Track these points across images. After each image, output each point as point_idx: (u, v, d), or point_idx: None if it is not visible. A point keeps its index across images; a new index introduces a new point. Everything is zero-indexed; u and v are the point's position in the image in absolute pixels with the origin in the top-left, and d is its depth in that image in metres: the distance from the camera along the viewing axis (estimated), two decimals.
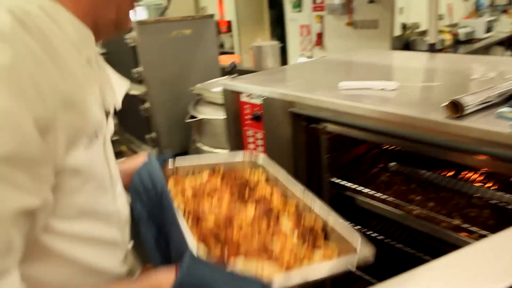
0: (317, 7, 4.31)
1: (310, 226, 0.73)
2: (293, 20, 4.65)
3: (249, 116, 1.31)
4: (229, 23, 5.69)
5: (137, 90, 2.31)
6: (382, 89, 1.05)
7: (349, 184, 1.16)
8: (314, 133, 1.12)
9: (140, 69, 2.25)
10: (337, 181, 1.17)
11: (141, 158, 0.87)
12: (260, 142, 1.32)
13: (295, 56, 4.72)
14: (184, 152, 2.28)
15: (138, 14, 6.63)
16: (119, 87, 0.74)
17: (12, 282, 0.47)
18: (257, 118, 1.28)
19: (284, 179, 0.85)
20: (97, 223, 0.63)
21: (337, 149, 1.18)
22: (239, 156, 0.94)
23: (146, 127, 2.36)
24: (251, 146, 1.38)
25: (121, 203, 0.72)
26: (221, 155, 1.04)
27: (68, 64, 0.53)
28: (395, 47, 3.73)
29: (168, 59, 2.32)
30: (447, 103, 0.81)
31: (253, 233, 0.71)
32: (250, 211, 0.78)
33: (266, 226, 0.73)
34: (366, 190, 1.15)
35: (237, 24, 5.40)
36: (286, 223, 0.75)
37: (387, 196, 1.11)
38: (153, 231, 0.76)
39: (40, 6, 0.52)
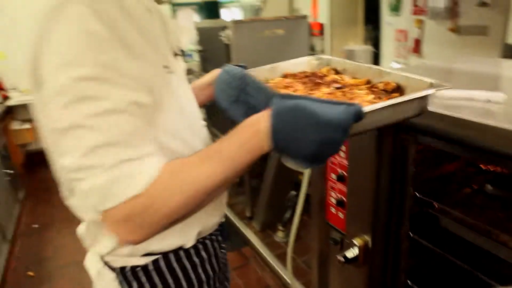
0: (418, 11, 4.04)
1: (383, 87, 0.82)
2: (390, 24, 4.43)
3: None
4: (321, 26, 5.62)
5: None
6: (488, 101, 0.95)
7: (435, 202, 1.07)
8: (402, 142, 1.05)
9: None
10: (422, 197, 1.08)
11: (215, 71, 0.98)
12: (343, 148, 1.29)
13: (389, 62, 4.49)
14: None
15: (234, 13, 6.93)
16: (185, 33, 0.85)
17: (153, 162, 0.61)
18: None
19: (352, 64, 0.94)
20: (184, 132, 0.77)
21: (426, 163, 1.10)
22: (305, 59, 1.06)
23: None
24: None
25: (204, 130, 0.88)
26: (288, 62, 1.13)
27: (134, 13, 0.67)
28: (506, 56, 3.34)
29: (260, 57, 2.38)
30: None
31: None
32: (324, 89, 0.87)
33: (341, 95, 0.83)
34: (454, 211, 1.05)
35: (330, 27, 5.31)
36: (360, 92, 0.83)
37: (479, 222, 1.00)
38: (242, 112, 0.78)
39: None
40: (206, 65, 2.78)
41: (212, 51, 2.56)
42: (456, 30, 3.65)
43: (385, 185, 1.10)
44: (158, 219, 0.58)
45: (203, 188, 0.61)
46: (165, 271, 0.80)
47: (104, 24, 0.58)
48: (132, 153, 0.58)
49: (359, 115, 0.60)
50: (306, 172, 1.27)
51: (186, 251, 0.83)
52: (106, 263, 0.80)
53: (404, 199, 1.10)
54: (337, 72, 1.00)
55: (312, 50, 5.96)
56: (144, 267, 0.79)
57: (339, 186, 1.31)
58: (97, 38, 0.57)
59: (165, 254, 0.81)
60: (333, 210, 1.38)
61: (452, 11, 3.65)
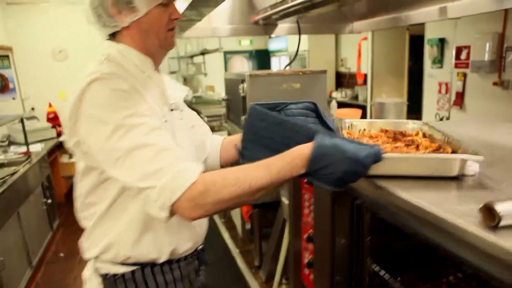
0: (460, 64, 3.90)
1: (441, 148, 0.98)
2: (432, 77, 4.31)
3: None
4: (365, 76, 5.62)
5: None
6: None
7: (391, 279, 1.00)
8: (358, 209, 1.02)
9: (246, 117, 2.43)
10: (378, 271, 1.02)
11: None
12: (307, 204, 1.29)
13: (430, 115, 4.33)
14: None
15: (281, 61, 7.18)
16: (179, 91, 1.09)
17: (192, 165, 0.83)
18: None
19: (438, 133, 1.06)
20: None
21: (385, 232, 1.04)
22: (404, 121, 1.24)
23: None
24: (306, 208, 1.33)
25: None
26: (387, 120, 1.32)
27: (134, 79, 0.92)
28: None
29: None
30: (481, 206, 0.65)
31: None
32: (398, 144, 1.04)
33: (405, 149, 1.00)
34: None
35: (371, 77, 5.29)
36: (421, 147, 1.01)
37: None
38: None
39: (117, 49, 0.96)
40: (230, 113, 2.91)
41: (234, 101, 2.68)
42: (501, 84, 3.46)
43: (343, 253, 1.07)
44: (214, 201, 0.79)
45: (251, 186, 0.79)
46: (141, 282, 0.97)
47: (124, 84, 0.87)
48: (177, 154, 0.83)
49: (378, 156, 0.78)
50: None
51: (161, 267, 0.99)
52: (95, 270, 0.98)
53: (362, 270, 1.05)
54: (424, 135, 1.14)
55: (355, 99, 5.94)
56: (123, 276, 0.96)
57: (310, 246, 1.29)
58: (120, 92, 0.86)
59: (142, 267, 0.97)
60: (306, 270, 1.34)
61: (497, 65, 3.48)
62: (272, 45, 7.48)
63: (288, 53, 6.75)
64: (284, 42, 6.88)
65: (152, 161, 0.80)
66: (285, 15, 2.74)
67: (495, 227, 0.63)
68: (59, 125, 4.72)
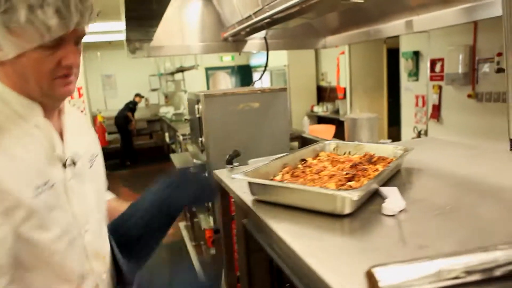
0: (435, 76, 3.83)
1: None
2: (408, 90, 4.23)
3: None
4: (345, 90, 5.55)
5: (200, 160, 2.36)
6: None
7: None
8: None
9: (202, 139, 2.30)
10: None
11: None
12: None
13: (409, 128, 4.24)
14: None
15: (262, 78, 7.13)
16: (82, 141, 0.88)
17: None
18: None
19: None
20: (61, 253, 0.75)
21: None
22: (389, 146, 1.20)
23: None
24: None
25: (88, 237, 0.83)
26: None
27: (7, 134, 0.70)
28: None
29: (233, 130, 2.32)
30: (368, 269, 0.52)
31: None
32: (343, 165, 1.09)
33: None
34: None
35: (350, 91, 5.21)
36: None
37: None
38: None
39: None
40: (192, 133, 2.79)
41: (194, 121, 2.57)
42: (474, 96, 3.38)
43: None
44: None
45: None
46: None
47: None
48: None
49: None
50: None
51: None
52: None
53: None
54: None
55: (336, 114, 5.86)
56: None
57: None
58: None
59: None
60: None
61: (470, 77, 3.41)
62: (254, 61, 7.44)
63: (269, 68, 6.69)
64: (264, 57, 6.82)
65: None
66: (252, 31, 2.66)
67: None
68: None
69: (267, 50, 3.39)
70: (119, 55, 7.25)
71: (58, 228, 0.74)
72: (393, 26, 2.68)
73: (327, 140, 1.34)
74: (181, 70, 5.86)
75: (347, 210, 0.78)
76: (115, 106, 8.08)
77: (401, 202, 0.81)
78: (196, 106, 2.31)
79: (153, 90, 8.11)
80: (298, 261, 0.62)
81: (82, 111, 4.84)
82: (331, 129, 3.76)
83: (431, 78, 3.86)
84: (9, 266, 0.67)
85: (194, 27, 3.28)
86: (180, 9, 3.14)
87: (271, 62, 6.64)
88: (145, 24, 2.76)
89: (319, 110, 6.06)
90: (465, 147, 1.35)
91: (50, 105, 0.80)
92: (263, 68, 7.30)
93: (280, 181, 0.97)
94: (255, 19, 2.29)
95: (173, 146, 6.00)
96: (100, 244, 0.88)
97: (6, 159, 0.68)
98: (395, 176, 1.06)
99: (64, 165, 0.79)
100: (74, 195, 0.80)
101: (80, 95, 4.75)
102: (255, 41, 3.58)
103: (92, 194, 0.88)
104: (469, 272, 0.51)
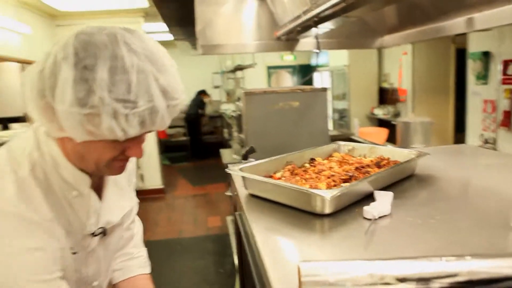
0: (508, 80, 3.48)
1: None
2: (476, 94, 3.90)
3: None
4: (407, 92, 5.27)
5: (239, 156, 2.43)
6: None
7: None
8: None
9: (242, 136, 2.36)
10: None
11: None
12: None
13: (475, 136, 3.90)
14: None
15: (323, 76, 7.01)
16: (118, 209, 0.86)
17: None
18: None
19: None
20: None
21: None
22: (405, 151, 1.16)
23: None
24: None
25: None
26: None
27: (56, 196, 0.71)
28: None
29: (272, 128, 2.35)
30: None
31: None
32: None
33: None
34: None
35: (412, 94, 4.93)
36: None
37: None
38: None
39: (51, 154, 0.71)
40: (236, 130, 2.87)
41: (237, 118, 2.64)
42: None
43: None
44: None
45: None
46: None
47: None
48: None
49: None
50: None
51: None
52: None
53: None
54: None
55: (397, 116, 5.58)
56: None
57: None
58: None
59: None
60: None
61: None
62: (315, 60, 7.37)
63: (330, 68, 6.58)
64: (326, 57, 6.73)
65: None
66: (302, 30, 2.66)
67: None
68: None
69: (318, 49, 3.35)
70: (184, 53, 7.64)
71: (70, 282, 0.76)
72: (452, 24, 2.50)
73: (375, 142, 1.31)
74: (240, 68, 6.00)
75: (327, 210, 0.77)
76: None
77: (386, 208, 0.78)
78: (237, 103, 2.38)
79: (216, 87, 8.41)
80: (254, 248, 0.64)
81: None
82: (383, 132, 3.61)
83: (503, 82, 3.51)
84: None
85: (249, 26, 3.35)
86: (237, 9, 3.23)
87: (332, 61, 6.55)
88: (185, 24, 2.89)
89: (380, 112, 5.82)
90: (499, 157, 1.24)
91: (100, 176, 0.80)
92: (324, 68, 7.19)
93: (278, 178, 0.98)
94: (303, 18, 2.29)
95: (230, 142, 6.18)
96: None
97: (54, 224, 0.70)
98: (404, 181, 1.01)
99: (93, 235, 0.79)
100: (93, 259, 0.82)
101: None
102: (307, 40, 3.56)
103: (111, 249, 0.89)
104: (401, 280, 0.49)
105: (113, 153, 0.67)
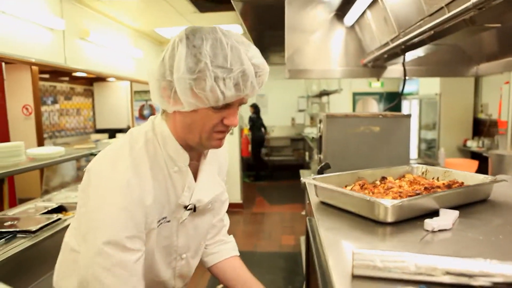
0: None
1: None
2: None
3: None
4: (508, 124, 4.84)
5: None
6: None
7: None
8: None
9: (321, 156, 2.46)
10: None
11: None
12: None
13: None
14: None
15: (412, 104, 6.75)
16: (209, 192, 0.99)
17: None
18: None
19: None
20: (157, 267, 0.94)
21: None
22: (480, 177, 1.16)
23: None
24: None
25: (182, 263, 1.00)
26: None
27: (161, 169, 0.88)
28: None
29: (351, 151, 2.41)
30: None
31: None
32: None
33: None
34: None
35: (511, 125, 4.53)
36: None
37: None
38: None
39: (161, 132, 0.89)
40: (316, 152, 2.97)
41: (317, 140, 2.75)
42: None
43: None
44: None
45: None
46: None
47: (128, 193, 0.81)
48: None
49: None
50: None
51: None
52: None
53: None
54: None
55: (495, 148, 5.13)
56: None
57: None
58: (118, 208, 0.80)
59: None
60: None
61: None
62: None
63: (419, 97, 6.34)
64: (415, 85, 6.51)
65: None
66: (389, 57, 2.71)
67: (352, 277, 0.60)
68: None
69: (404, 76, 3.34)
70: (273, 78, 7.99)
71: (162, 250, 0.91)
72: None
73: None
74: (325, 93, 6.10)
75: (389, 219, 0.85)
76: (265, 122, 8.89)
77: (447, 222, 0.83)
78: (318, 125, 2.49)
79: (300, 111, 8.60)
80: (318, 242, 0.75)
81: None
82: (472, 164, 3.38)
83: None
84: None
85: (336, 53, 3.48)
86: (326, 36, 3.39)
87: (422, 89, 6.31)
88: (272, 49, 3.10)
89: (473, 145, 5.42)
90: None
91: (198, 153, 0.95)
92: (413, 96, 6.95)
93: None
94: (391, 45, 2.36)
95: (310, 164, 6.25)
96: (187, 270, 1.04)
97: (154, 194, 0.84)
98: (475, 204, 1.03)
99: (186, 207, 0.93)
100: (184, 231, 0.95)
101: None
102: (395, 67, 3.56)
103: (201, 229, 1.02)
104: (444, 273, 0.56)
105: (214, 121, 0.82)
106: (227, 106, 0.81)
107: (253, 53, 0.80)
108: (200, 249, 1.08)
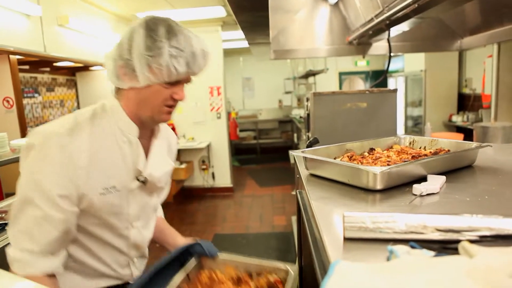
0: None
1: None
2: None
3: None
4: (491, 97, 4.92)
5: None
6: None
7: None
8: None
9: (309, 134, 2.47)
10: None
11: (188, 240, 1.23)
12: None
13: None
14: None
15: (398, 82, 6.80)
16: (160, 166, 1.07)
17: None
18: None
19: None
20: (110, 234, 1.01)
21: None
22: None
23: None
24: None
25: (134, 232, 1.06)
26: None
27: (109, 143, 0.95)
28: None
29: (339, 128, 2.42)
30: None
31: None
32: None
33: None
34: None
35: (495, 99, 4.61)
36: None
37: None
38: None
39: (111, 105, 0.98)
40: (304, 131, 2.98)
41: (305, 119, 2.76)
42: None
43: None
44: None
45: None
46: None
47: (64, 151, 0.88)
48: (40, 248, 0.89)
49: None
50: None
51: None
52: None
53: None
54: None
55: (479, 122, 5.23)
56: None
57: None
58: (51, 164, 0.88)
59: None
60: None
61: None
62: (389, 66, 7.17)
63: (405, 74, 6.38)
64: (401, 62, 6.53)
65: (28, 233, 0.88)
66: (374, 33, 2.70)
67: (344, 239, 0.61)
68: (176, 134, 5.46)
69: (390, 52, 3.34)
70: (259, 60, 7.93)
71: (113, 217, 0.98)
72: None
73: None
74: (311, 73, 6.10)
75: (378, 186, 0.86)
76: (252, 106, 8.85)
77: (434, 186, 0.84)
78: (305, 104, 2.49)
79: (287, 92, 8.59)
80: (309, 211, 0.75)
81: (219, 108, 5.55)
82: (458, 137, 3.44)
83: None
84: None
85: (321, 32, 3.46)
86: (310, 15, 3.36)
87: (407, 67, 6.35)
88: (258, 30, 3.07)
89: (458, 119, 5.50)
90: None
91: (147, 128, 1.03)
92: (399, 74, 6.98)
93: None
94: (375, 21, 2.35)
95: (299, 146, 6.28)
96: (141, 239, 1.08)
97: (91, 158, 0.90)
98: (461, 170, 1.05)
99: (137, 180, 1.00)
100: (134, 201, 1.02)
101: (218, 94, 5.45)
102: (380, 43, 3.55)
103: (150, 203, 1.09)
104: (433, 230, 0.57)
105: (165, 96, 0.93)
106: (176, 83, 0.93)
107: (200, 40, 0.94)
108: (150, 223, 1.14)
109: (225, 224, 4.35)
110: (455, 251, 0.50)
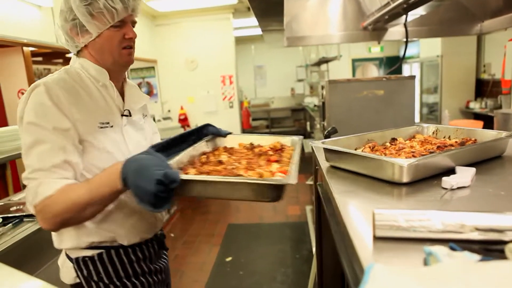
0: None
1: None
2: None
3: None
4: None
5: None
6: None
7: None
8: None
9: (324, 123, 2.42)
10: None
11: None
12: None
13: None
14: None
15: (413, 68, 6.64)
16: (138, 100, 1.21)
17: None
18: None
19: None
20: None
21: None
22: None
23: None
24: None
25: None
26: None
27: (88, 89, 1.07)
28: None
29: (355, 116, 2.36)
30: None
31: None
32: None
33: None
34: None
35: None
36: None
37: None
38: None
39: (79, 62, 1.09)
40: (319, 120, 2.92)
41: (320, 107, 2.70)
42: None
43: None
44: (53, 216, 0.91)
45: (75, 203, 0.91)
46: (107, 262, 1.10)
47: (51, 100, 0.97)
48: (52, 172, 0.95)
49: (173, 179, 0.80)
50: None
51: (125, 249, 1.12)
52: (67, 255, 1.12)
53: None
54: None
55: (499, 108, 5.08)
56: (91, 258, 1.09)
57: None
58: (43, 106, 0.97)
59: (108, 250, 1.10)
60: None
61: None
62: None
63: (420, 60, 6.22)
64: (416, 48, 6.37)
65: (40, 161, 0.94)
66: (390, 18, 2.62)
67: (374, 238, 0.57)
68: (188, 126, 5.46)
69: (407, 38, 3.23)
70: (272, 47, 7.82)
71: (118, 156, 1.05)
72: None
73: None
74: (324, 61, 5.99)
75: (404, 179, 0.82)
76: (264, 94, 8.78)
77: (465, 179, 0.79)
78: (321, 92, 2.43)
79: (299, 80, 8.48)
80: (334, 207, 0.72)
81: (231, 97, 5.52)
82: (477, 125, 3.34)
83: None
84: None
85: (335, 18, 3.37)
86: (324, 1, 3.27)
87: (423, 52, 6.18)
88: (271, 16, 3.00)
89: (476, 106, 5.35)
90: None
91: (118, 72, 1.12)
92: (414, 60, 6.81)
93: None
94: (392, 5, 2.26)
95: (312, 135, 6.22)
96: None
97: (76, 98, 1.01)
98: (491, 161, 1.00)
99: (122, 115, 1.11)
100: (129, 138, 1.12)
101: (231, 82, 5.41)
102: (396, 28, 3.44)
103: (143, 140, 1.19)
104: (473, 229, 0.53)
105: (118, 38, 1.04)
106: (122, 24, 1.03)
107: None
108: None
109: (239, 215, 4.34)
110: (501, 253, 0.46)
